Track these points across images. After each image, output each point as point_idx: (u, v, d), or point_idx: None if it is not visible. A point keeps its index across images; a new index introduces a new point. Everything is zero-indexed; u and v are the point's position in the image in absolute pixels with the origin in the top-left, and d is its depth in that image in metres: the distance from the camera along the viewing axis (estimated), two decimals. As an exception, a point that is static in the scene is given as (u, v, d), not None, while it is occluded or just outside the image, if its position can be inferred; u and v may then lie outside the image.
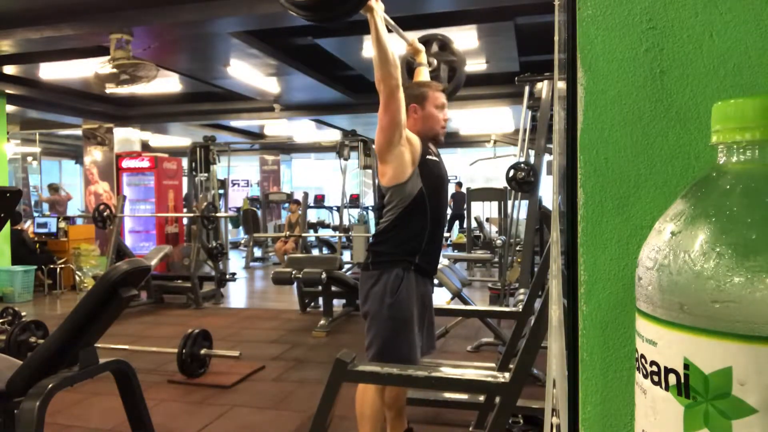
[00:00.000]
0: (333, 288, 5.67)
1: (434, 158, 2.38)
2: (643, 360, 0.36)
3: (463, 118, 10.81)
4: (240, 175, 16.17)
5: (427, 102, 2.36)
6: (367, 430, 2.35)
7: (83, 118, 9.32)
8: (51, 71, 7.09)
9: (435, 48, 2.87)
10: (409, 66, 2.71)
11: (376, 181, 2.48)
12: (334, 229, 11.34)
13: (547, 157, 5.14)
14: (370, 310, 2.28)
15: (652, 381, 0.35)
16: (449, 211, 13.34)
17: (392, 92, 2.12)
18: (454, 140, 13.21)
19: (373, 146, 2.33)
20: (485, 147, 11.45)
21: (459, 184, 13.00)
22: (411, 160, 2.26)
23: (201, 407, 3.51)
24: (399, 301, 2.24)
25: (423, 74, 2.62)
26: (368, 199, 11.81)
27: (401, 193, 2.26)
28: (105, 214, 6.93)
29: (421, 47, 2.65)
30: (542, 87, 4.87)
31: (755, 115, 0.34)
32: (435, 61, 2.78)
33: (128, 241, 9.15)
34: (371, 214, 10.63)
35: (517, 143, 5.58)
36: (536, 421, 2.85)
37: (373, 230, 4.63)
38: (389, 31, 2.21)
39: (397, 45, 2.23)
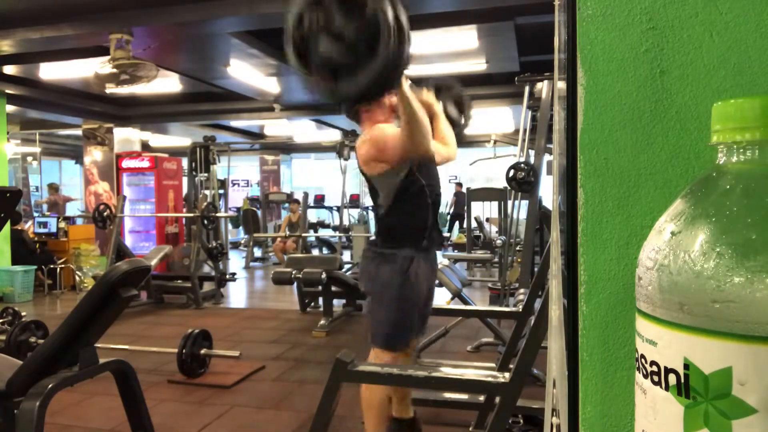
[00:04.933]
0: (333, 288, 5.67)
1: None
2: (643, 360, 0.36)
3: (463, 118, 10.79)
4: (240, 175, 16.17)
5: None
6: (373, 417, 2.36)
7: (83, 118, 9.32)
8: (51, 71, 7.09)
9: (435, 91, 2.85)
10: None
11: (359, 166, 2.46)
12: (334, 229, 11.34)
13: (547, 157, 5.14)
14: (378, 288, 2.27)
15: (652, 381, 0.35)
16: (449, 211, 13.37)
17: (419, 154, 2.15)
18: (454, 140, 13.15)
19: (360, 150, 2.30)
20: (485, 147, 11.44)
21: (459, 184, 12.99)
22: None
23: (201, 407, 3.51)
24: (409, 282, 2.25)
25: (442, 123, 2.55)
26: (368, 199, 11.81)
27: (390, 176, 2.27)
28: (105, 214, 6.93)
29: (434, 100, 2.54)
30: (542, 87, 4.87)
31: (755, 115, 0.34)
32: (442, 104, 2.74)
33: (128, 241, 9.15)
34: (371, 214, 10.63)
35: (517, 143, 5.58)
36: (536, 421, 2.85)
37: (372, 229, 4.64)
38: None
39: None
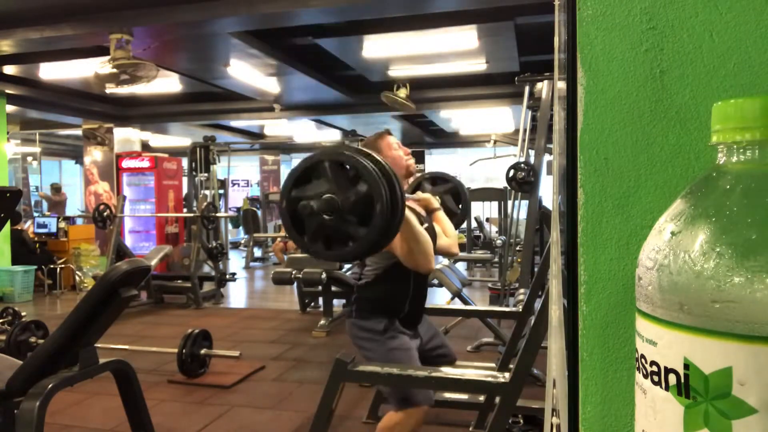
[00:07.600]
0: (333, 288, 5.67)
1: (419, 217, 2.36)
2: (643, 360, 0.36)
3: (463, 118, 10.81)
4: (240, 175, 16.17)
5: (383, 152, 2.28)
6: None
7: (83, 118, 9.32)
8: (51, 71, 7.09)
9: (429, 186, 2.91)
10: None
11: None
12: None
13: (547, 157, 5.13)
14: (368, 355, 2.22)
15: (652, 381, 0.35)
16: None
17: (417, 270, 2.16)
18: (454, 140, 13.20)
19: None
20: (485, 147, 11.44)
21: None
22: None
23: (201, 407, 3.51)
24: (392, 335, 2.20)
25: (442, 218, 2.56)
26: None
27: (383, 255, 2.21)
28: (105, 214, 6.93)
29: (428, 196, 2.58)
30: (542, 87, 4.87)
31: (755, 115, 0.34)
32: (440, 198, 2.76)
33: (128, 241, 9.15)
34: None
35: (517, 143, 5.58)
36: (536, 421, 2.85)
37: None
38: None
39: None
